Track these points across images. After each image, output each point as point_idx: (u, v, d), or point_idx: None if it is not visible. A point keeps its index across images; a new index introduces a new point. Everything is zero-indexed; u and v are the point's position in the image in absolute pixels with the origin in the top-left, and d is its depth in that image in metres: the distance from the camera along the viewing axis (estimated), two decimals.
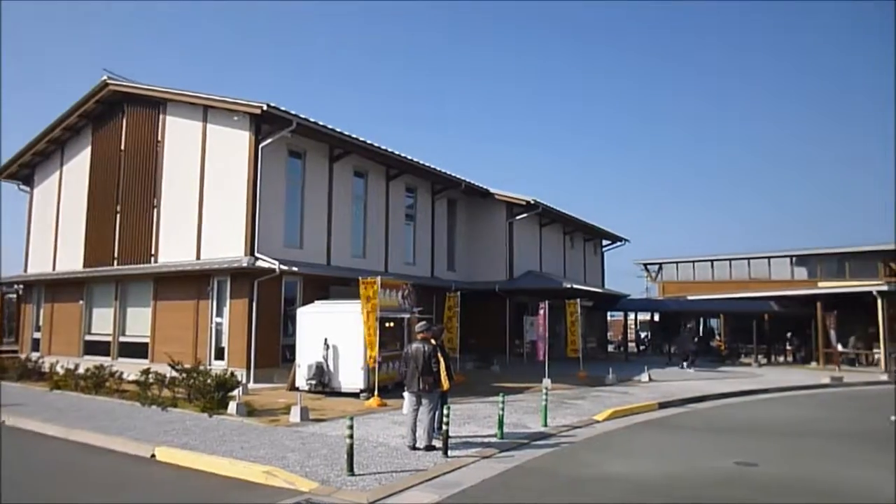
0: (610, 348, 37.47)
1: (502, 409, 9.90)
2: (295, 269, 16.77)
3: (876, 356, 26.91)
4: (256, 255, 16.41)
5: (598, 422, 12.08)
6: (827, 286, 31.25)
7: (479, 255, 26.68)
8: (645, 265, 47.80)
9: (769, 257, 38.94)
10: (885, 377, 22.49)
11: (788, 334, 32.04)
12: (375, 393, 13.31)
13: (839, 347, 26.83)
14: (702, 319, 40.39)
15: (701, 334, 39.51)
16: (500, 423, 9.83)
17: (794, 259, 37.86)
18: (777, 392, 18.33)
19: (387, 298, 14.78)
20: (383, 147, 19.97)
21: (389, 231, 22.04)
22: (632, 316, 40.50)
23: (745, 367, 26.48)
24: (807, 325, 30.08)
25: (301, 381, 14.53)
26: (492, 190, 26.32)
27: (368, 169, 21.12)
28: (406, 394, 9.20)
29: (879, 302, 25.52)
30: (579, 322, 22.16)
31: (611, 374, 19.07)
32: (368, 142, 19.35)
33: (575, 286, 25.09)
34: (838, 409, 14.99)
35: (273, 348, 16.97)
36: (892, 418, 12.10)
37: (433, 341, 9.27)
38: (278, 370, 16.59)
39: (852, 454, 9.59)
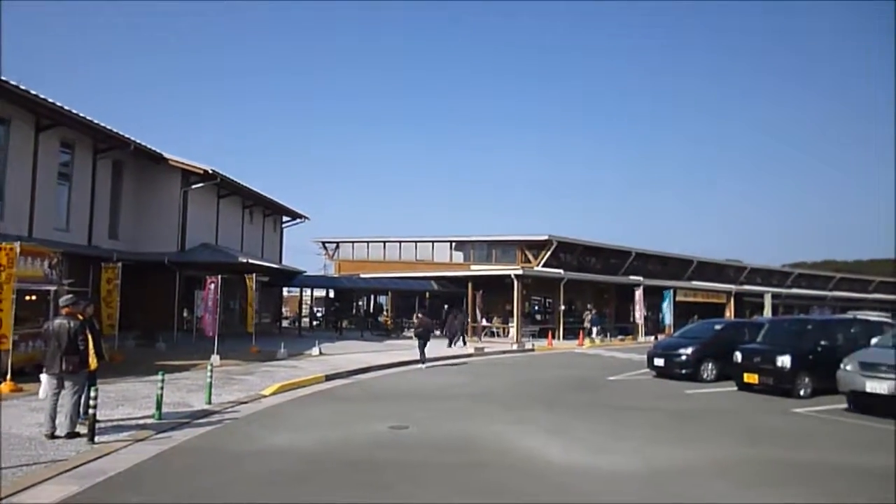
0: (285, 324, 37.75)
1: (161, 388, 9.39)
2: None
3: (511, 330, 31.54)
4: None
5: (265, 396, 12.18)
6: (477, 269, 35.66)
7: (149, 223, 24.65)
8: (323, 243, 48.96)
9: (433, 241, 42.89)
10: (515, 347, 26.53)
11: (445, 307, 35.91)
12: (8, 377, 11.54)
13: (484, 322, 30.88)
14: (373, 296, 42.93)
15: (371, 310, 42.06)
16: (159, 403, 9.32)
17: (453, 244, 42.30)
18: (431, 362, 20.38)
19: (28, 268, 12.86)
20: (32, 92, 17.17)
21: (37, 191, 19.05)
22: (308, 292, 41.28)
23: (407, 340, 28.90)
24: (460, 303, 33.97)
25: None
26: (166, 155, 24.45)
27: (11, 116, 17.96)
28: (45, 376, 8.16)
29: (516, 284, 30.01)
30: (254, 297, 21.93)
31: (283, 348, 19.29)
32: (12, 83, 16.43)
33: (251, 261, 24.70)
34: (479, 375, 17.27)
35: None
36: None
37: (80, 316, 8.39)
38: None
39: (488, 413, 11.14)
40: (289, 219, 36.92)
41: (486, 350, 24.54)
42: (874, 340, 13.28)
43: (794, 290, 52.98)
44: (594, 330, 31.74)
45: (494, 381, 16.06)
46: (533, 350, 26.48)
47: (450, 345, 25.72)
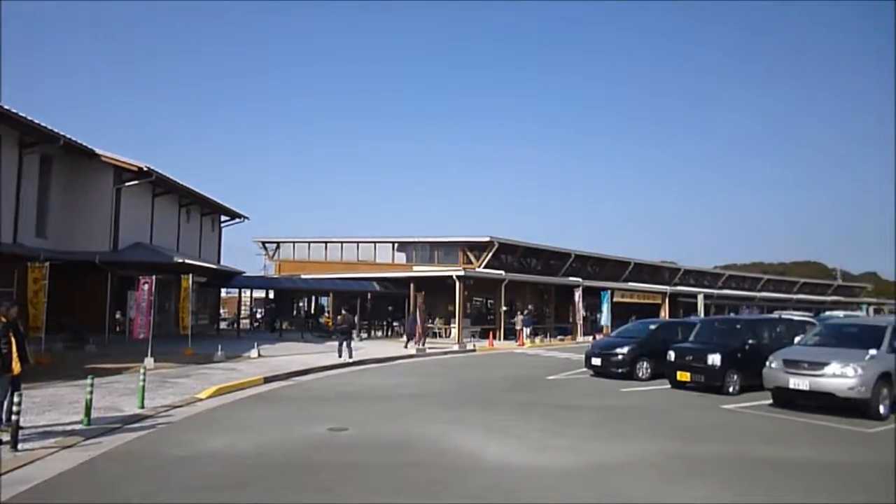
0: (223, 325, 36.94)
1: (91, 393, 9.08)
2: None
3: (453, 330, 31.70)
4: None
5: (200, 400, 11.92)
6: (420, 270, 35.68)
7: (79, 222, 23.75)
8: (263, 243, 48.09)
9: (375, 242, 42.65)
10: (456, 347, 26.67)
11: (390, 308, 35.97)
12: None
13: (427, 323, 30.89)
14: (314, 297, 42.42)
15: (312, 311, 41.60)
16: (88, 408, 9.01)
17: (395, 245, 42.14)
18: (373, 363, 20.35)
19: None
20: None
21: None
22: (247, 293, 40.48)
23: None
24: (402, 304, 33.96)
25: None
26: (98, 150, 23.61)
27: None
28: None
29: (458, 285, 30.18)
30: (191, 298, 21.41)
31: (220, 350, 18.90)
32: None
33: (188, 261, 24.09)
34: (420, 376, 17.30)
35: None
36: None
37: (3, 318, 8.04)
38: None
39: (428, 413, 11.17)
40: (227, 218, 36.14)
41: (427, 351, 24.58)
42: (797, 339, 13.93)
43: (725, 291, 54.98)
44: (526, 331, 32.06)
45: (435, 381, 16.12)
46: (474, 350, 26.67)
47: (408, 345, 26.18)
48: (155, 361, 16.23)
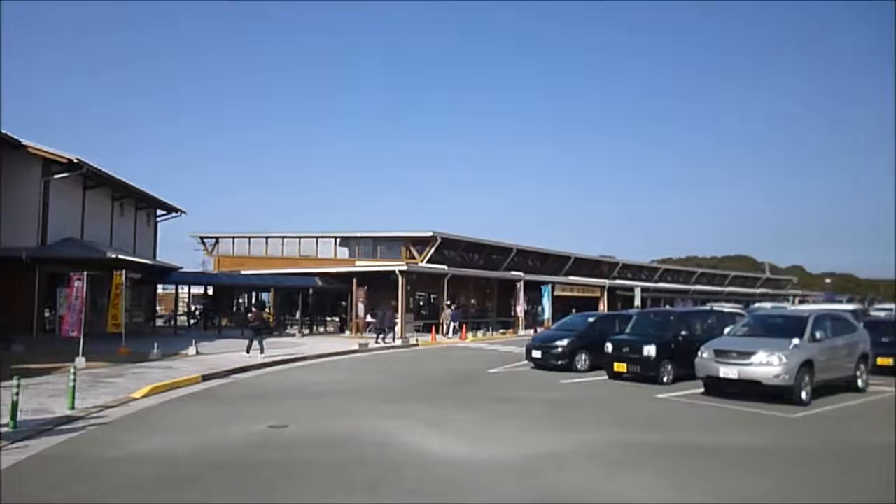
0: (159, 322, 35.94)
1: (17, 394, 8.72)
2: None
3: (397, 325, 31.64)
4: None
5: (135, 399, 11.61)
6: (362, 265, 35.50)
7: (4, 216, 22.63)
8: (202, 238, 46.97)
9: (317, 237, 42.18)
10: (399, 342, 26.67)
11: (343, 303, 35.80)
12: None
13: (368, 318, 30.80)
14: (254, 293, 41.69)
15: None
16: (14, 410, 8.66)
17: (338, 240, 41.79)
18: (314, 359, 20.16)
19: None
20: None
21: None
22: (185, 289, 39.50)
23: (290, 338, 28.37)
24: (345, 299, 33.72)
25: None
26: (24, 141, 22.57)
27: None
28: None
29: (400, 279, 30.19)
30: (125, 295, 20.76)
31: (156, 348, 18.39)
32: None
33: (121, 257, 23.31)
34: (362, 372, 17.26)
35: None
36: None
37: None
38: None
39: (370, 409, 11.15)
40: (164, 212, 35.09)
41: (369, 346, 24.51)
42: (727, 330, 14.48)
43: (661, 284, 56.62)
44: (453, 326, 31.99)
45: (377, 376, 16.11)
46: (417, 345, 26.71)
47: (378, 339, 26.10)
48: (87, 361, 15.69)
